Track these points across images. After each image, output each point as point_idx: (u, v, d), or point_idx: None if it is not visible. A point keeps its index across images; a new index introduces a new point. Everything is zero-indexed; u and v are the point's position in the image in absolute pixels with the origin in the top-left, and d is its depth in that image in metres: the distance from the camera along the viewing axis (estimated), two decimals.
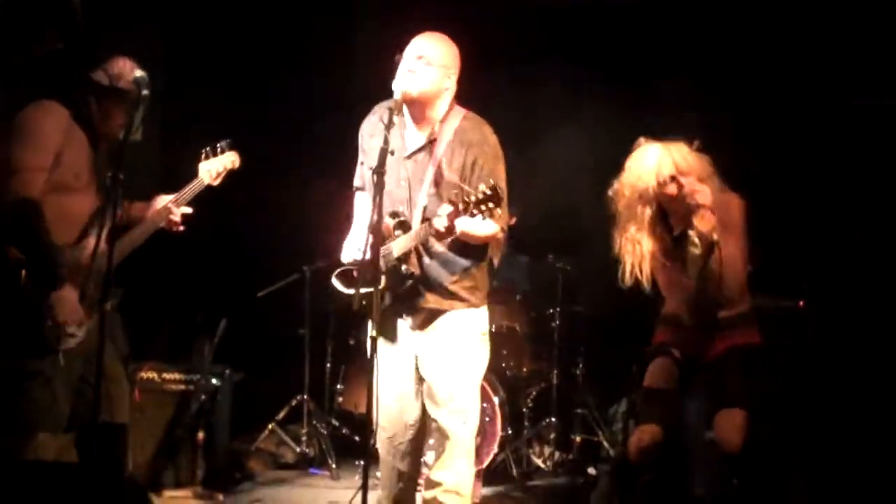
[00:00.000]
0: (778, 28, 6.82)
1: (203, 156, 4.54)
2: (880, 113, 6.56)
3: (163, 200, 4.42)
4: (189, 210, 4.46)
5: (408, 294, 4.17)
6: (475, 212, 3.82)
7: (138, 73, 3.84)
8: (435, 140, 4.15)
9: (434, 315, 4.22)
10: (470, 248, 4.17)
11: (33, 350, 4.06)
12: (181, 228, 4.47)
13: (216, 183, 4.56)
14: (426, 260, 4.17)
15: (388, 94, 4.13)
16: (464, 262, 4.19)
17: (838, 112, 6.69)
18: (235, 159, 4.62)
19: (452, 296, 4.21)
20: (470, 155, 4.09)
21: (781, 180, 6.81)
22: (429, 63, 4.09)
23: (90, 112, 4.24)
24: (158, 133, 6.62)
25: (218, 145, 4.59)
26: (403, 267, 4.10)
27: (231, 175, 4.61)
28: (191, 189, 4.46)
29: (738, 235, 4.31)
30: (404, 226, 4.09)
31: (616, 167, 7.24)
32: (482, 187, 3.82)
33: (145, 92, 3.83)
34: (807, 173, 6.76)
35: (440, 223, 3.90)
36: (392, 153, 3.96)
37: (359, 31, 7.24)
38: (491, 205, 3.81)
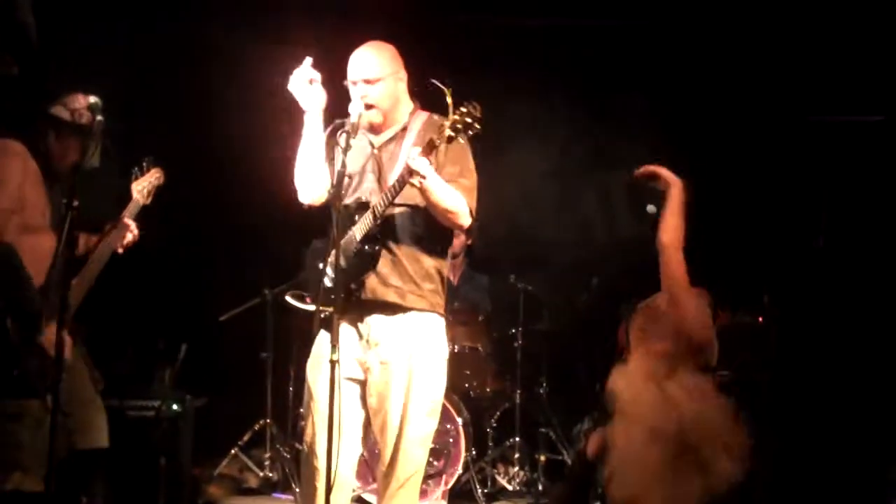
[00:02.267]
0: (736, 46, 6.89)
1: (133, 177, 4.64)
2: (836, 129, 6.65)
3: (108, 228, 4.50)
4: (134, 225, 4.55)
5: (364, 286, 4.02)
6: (451, 133, 3.76)
7: (92, 98, 3.82)
8: (406, 130, 4.14)
9: (393, 315, 4.05)
10: (432, 245, 4.11)
11: (21, 393, 4.05)
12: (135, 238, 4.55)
13: (149, 201, 4.65)
14: (391, 244, 4.05)
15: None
16: (426, 258, 4.09)
17: (795, 127, 6.78)
18: (160, 175, 4.72)
19: (413, 290, 4.06)
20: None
21: (739, 195, 6.87)
22: (378, 79, 4.08)
23: (48, 147, 4.24)
24: (118, 160, 6.58)
25: (143, 164, 4.68)
26: (366, 246, 3.99)
27: (163, 192, 4.70)
28: (128, 211, 4.55)
29: None
30: (366, 207, 4.03)
31: (576, 186, 7.31)
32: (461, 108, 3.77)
33: (99, 118, 3.82)
34: (765, 188, 6.83)
35: (414, 155, 3.82)
36: (350, 178, 3.96)
37: (325, 50, 7.24)
38: (469, 120, 3.75)
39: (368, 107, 4.07)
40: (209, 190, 7.07)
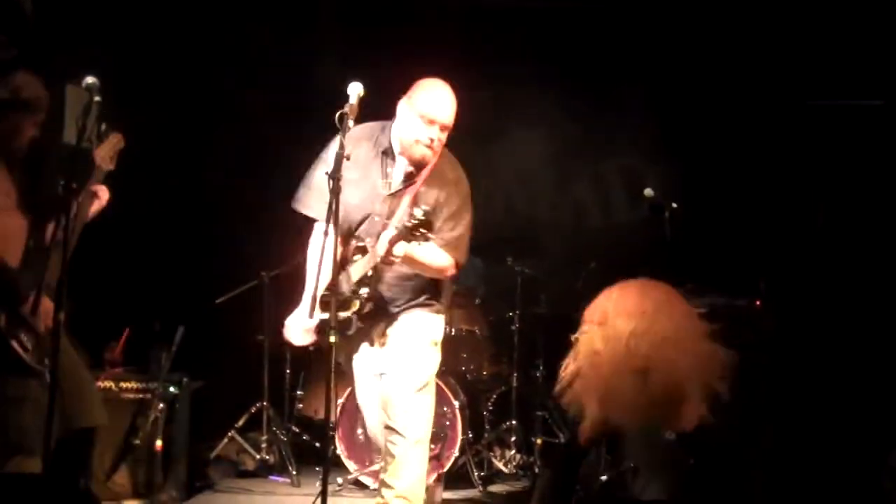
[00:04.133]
0: (734, 31, 6.88)
1: (94, 145, 4.58)
2: (835, 113, 6.64)
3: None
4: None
5: (372, 313, 4.34)
6: (409, 237, 3.92)
7: (89, 79, 3.80)
8: (415, 178, 4.21)
9: (392, 320, 4.36)
10: (426, 281, 4.31)
11: (20, 372, 4.09)
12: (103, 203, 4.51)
13: (112, 166, 4.59)
14: (383, 287, 4.33)
15: (344, 97, 4.11)
16: (423, 281, 4.37)
17: (793, 112, 6.77)
18: (120, 139, 4.66)
19: (412, 301, 4.38)
20: (442, 193, 4.22)
21: (738, 180, 6.88)
22: (449, 130, 4.17)
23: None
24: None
25: (101, 131, 4.60)
26: (362, 290, 4.24)
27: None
28: (94, 179, 4.50)
29: None
30: (363, 251, 4.22)
31: (574, 169, 7.30)
32: (417, 212, 3.90)
33: (97, 98, 3.80)
34: (763, 173, 6.82)
35: (380, 247, 4.03)
36: (348, 155, 3.96)
37: (319, 36, 7.22)
38: (422, 230, 3.89)
39: (430, 149, 4.19)
40: (207, 172, 7.06)
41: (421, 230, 3.89)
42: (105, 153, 4.58)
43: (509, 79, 7.13)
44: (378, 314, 4.37)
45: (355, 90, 4.01)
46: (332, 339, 3.75)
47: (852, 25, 6.49)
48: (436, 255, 4.21)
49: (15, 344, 4.09)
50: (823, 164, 6.66)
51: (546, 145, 7.21)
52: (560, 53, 7.22)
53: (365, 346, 4.45)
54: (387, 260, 4.05)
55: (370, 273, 4.26)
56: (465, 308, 6.56)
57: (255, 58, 7.13)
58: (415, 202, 4.20)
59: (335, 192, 3.80)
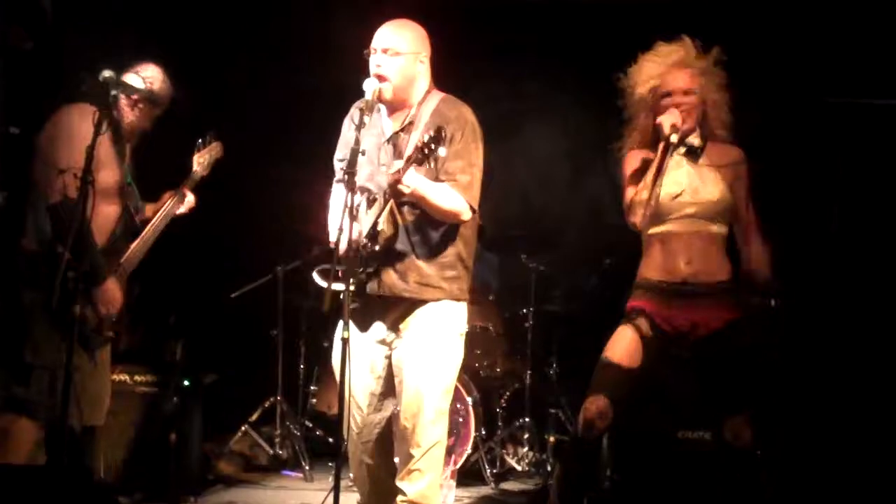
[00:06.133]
0: (751, 25, 6.84)
1: (196, 149, 4.88)
2: (853, 111, 6.60)
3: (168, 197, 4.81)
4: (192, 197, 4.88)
5: (382, 282, 4.08)
6: (420, 156, 3.77)
7: (107, 72, 3.83)
8: (413, 122, 4.11)
9: (410, 308, 4.12)
10: (447, 234, 4.11)
11: (79, 344, 4.21)
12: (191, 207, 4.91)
13: (207, 173, 4.91)
14: (400, 236, 4.09)
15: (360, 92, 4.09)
16: (443, 248, 4.12)
17: (811, 109, 6.73)
18: (220, 148, 4.97)
19: (431, 282, 4.11)
20: (447, 131, 3.96)
21: (753, 177, 6.84)
22: (396, 53, 4.05)
23: (120, 114, 4.46)
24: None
25: (206, 137, 4.93)
26: (368, 244, 4.01)
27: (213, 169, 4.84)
28: (189, 182, 4.84)
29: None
30: (372, 204, 4.05)
31: (589, 165, 7.28)
32: (426, 136, 3.77)
33: (114, 92, 3.82)
34: (779, 171, 6.79)
35: (391, 174, 3.89)
36: (363, 153, 3.93)
37: (337, 26, 7.22)
38: (433, 145, 3.75)
39: (380, 78, 4.04)
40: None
41: (431, 146, 3.75)
42: (203, 159, 4.89)
43: (525, 74, 7.10)
44: (392, 282, 4.10)
45: (371, 86, 4.00)
46: (345, 334, 3.71)
47: (873, 21, 6.44)
48: (448, 195, 4.00)
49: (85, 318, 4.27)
50: (841, 163, 6.62)
51: (561, 141, 7.18)
52: (576, 47, 7.19)
53: (374, 325, 4.18)
54: (396, 191, 3.86)
55: (382, 226, 4.02)
56: (479, 304, 6.54)
57: (270, 49, 7.12)
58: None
59: (350, 187, 3.78)
